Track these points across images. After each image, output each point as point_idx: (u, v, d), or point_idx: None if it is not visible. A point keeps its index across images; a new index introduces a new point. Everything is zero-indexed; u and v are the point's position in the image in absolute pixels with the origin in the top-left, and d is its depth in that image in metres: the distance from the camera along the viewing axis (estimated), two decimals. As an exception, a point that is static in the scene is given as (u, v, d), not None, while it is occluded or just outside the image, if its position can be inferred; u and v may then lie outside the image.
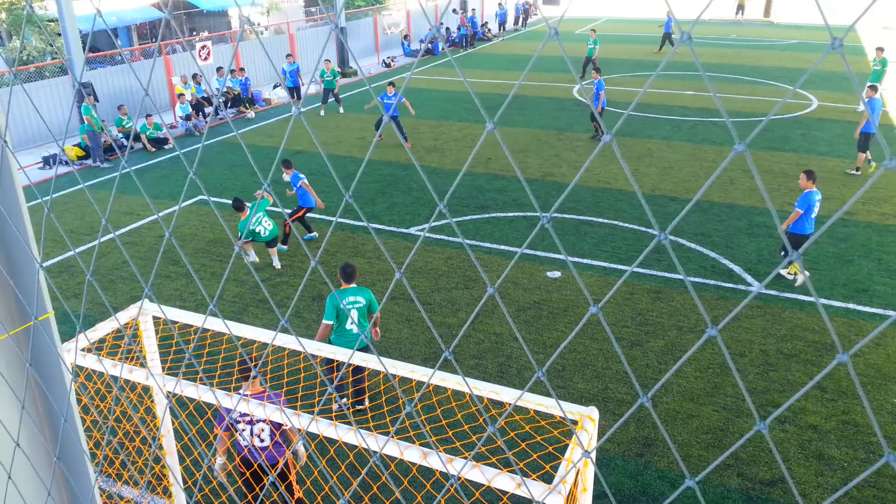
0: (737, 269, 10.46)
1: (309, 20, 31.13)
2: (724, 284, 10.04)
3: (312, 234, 11.82)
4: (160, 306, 1.59)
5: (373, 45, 29.73)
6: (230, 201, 13.34)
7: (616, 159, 15.57)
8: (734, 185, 13.78)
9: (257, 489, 5.39)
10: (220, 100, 20.32)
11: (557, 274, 10.42)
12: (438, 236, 11.77)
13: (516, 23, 39.08)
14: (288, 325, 1.27)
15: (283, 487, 5.27)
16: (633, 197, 13.27)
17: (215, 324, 4.82)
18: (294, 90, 20.55)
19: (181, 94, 18.95)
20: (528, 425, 5.25)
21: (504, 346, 8.72)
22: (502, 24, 36.17)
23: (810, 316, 9.19)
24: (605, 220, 12.24)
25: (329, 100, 20.07)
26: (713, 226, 11.96)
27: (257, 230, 10.36)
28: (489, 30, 34.52)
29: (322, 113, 20.02)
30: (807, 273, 8.35)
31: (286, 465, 5.38)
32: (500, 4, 37.16)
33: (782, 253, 10.43)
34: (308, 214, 11.67)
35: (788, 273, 10.10)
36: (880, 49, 19.14)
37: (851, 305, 9.42)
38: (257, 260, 11.05)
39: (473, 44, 32.23)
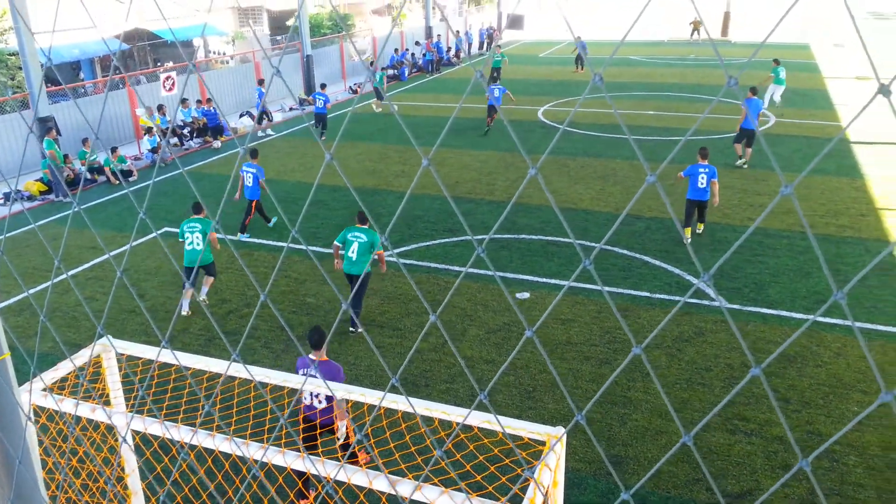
0: (701, 285, 10.65)
1: (275, 48, 31.23)
2: (689, 300, 10.22)
3: (273, 220, 13.38)
4: (113, 344, 1.61)
5: (339, 72, 29.90)
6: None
7: (581, 179, 15.81)
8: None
9: (316, 443, 6.25)
10: (185, 130, 20.25)
11: (526, 295, 10.52)
12: (408, 261, 11.81)
13: (481, 47, 39.62)
14: (239, 358, 1.31)
15: (340, 445, 6.34)
16: (599, 216, 13.47)
17: (181, 357, 4.80)
18: (263, 115, 20.89)
19: (149, 128, 18.86)
20: (498, 448, 5.28)
21: (475, 369, 8.75)
22: (458, 51, 36.09)
23: (773, 329, 9.39)
24: (571, 241, 12.40)
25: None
26: (678, 243, 12.18)
27: (187, 245, 9.96)
28: (455, 55, 34.94)
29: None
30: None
31: (344, 427, 6.23)
32: (457, 33, 37.51)
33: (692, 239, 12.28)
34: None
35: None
36: (776, 60, 22.14)
37: (812, 316, 9.63)
38: (189, 312, 10.28)
39: (440, 69, 32.59)
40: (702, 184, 11.86)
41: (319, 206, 14.65)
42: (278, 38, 35.80)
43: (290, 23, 36.10)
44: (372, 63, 30.93)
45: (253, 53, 26.45)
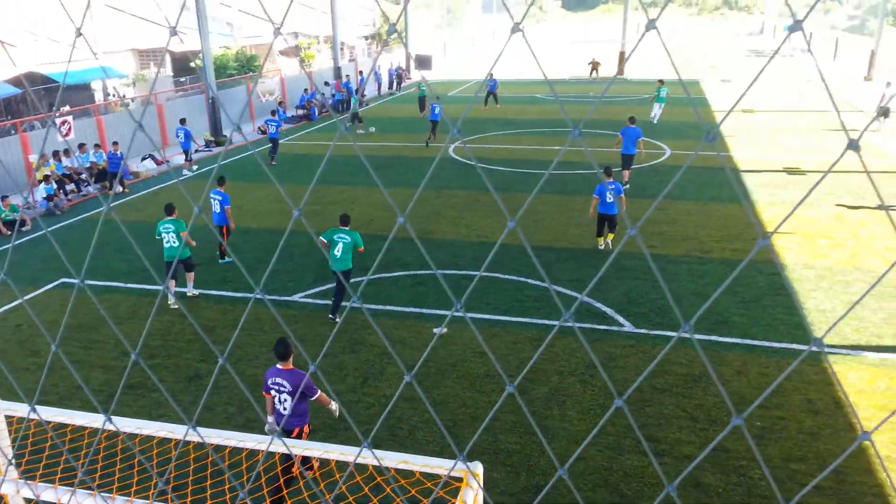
0: (609, 311, 11.02)
1: (179, 90, 30.55)
2: (598, 327, 10.53)
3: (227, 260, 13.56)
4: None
5: (247, 113, 29.50)
6: (94, 282, 12.67)
7: (493, 214, 16.14)
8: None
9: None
10: (83, 175, 19.38)
11: (443, 330, 10.55)
12: (323, 301, 11.65)
13: (391, 87, 40.11)
14: (111, 420, 1.26)
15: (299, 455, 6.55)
16: (511, 249, 13.75)
17: (77, 417, 4.52)
18: (185, 153, 21.83)
19: (46, 176, 17.94)
20: (416, 488, 5.23)
21: (394, 407, 8.66)
22: (358, 89, 36.15)
23: (677, 351, 9.79)
24: (486, 273, 12.57)
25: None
26: (585, 271, 12.58)
27: (165, 243, 11.43)
28: (364, 94, 35.19)
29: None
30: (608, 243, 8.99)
31: (301, 433, 6.79)
32: (361, 72, 37.68)
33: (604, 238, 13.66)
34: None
35: (601, 244, 13.65)
36: (661, 80, 25.91)
37: (713, 337, 10.13)
38: (175, 305, 11.54)
39: (347, 110, 32.71)
40: (609, 199, 13.10)
41: (232, 248, 14.27)
42: (182, 79, 35.04)
43: (194, 64, 35.48)
44: (281, 103, 30.73)
45: (155, 96, 25.76)
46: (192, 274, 11.97)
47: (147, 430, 4.48)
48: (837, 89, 34.68)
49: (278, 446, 4.46)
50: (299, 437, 6.66)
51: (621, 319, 10.71)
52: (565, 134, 25.37)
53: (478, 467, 4.72)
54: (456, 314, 10.82)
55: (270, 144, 22.05)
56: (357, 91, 31.94)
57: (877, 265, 12.54)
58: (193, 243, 11.39)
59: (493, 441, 7.94)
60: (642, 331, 10.36)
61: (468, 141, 24.67)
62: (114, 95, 32.18)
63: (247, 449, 5.37)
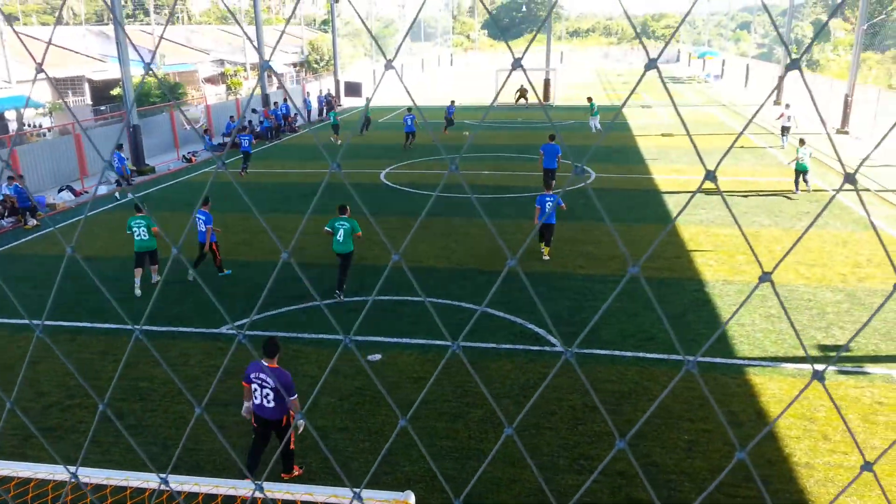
0: (541, 331, 11.18)
1: (98, 119, 29.56)
2: (531, 348, 10.66)
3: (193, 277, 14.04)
4: None
5: (171, 141, 28.77)
6: (6, 320, 12.05)
7: (425, 239, 16.18)
8: (532, 255, 14.85)
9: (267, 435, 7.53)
10: (-4, 208, 18.43)
11: (378, 357, 10.46)
12: (253, 332, 11.37)
13: (320, 114, 39.92)
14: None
15: (282, 439, 7.33)
16: (443, 273, 13.80)
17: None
18: (121, 178, 21.81)
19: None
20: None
21: (328, 439, 8.50)
22: (287, 115, 35.59)
23: (607, 368, 9.99)
24: (419, 298, 12.56)
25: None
26: (517, 294, 12.73)
27: (136, 236, 12.93)
28: (294, 121, 34.88)
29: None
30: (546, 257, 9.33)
31: (286, 422, 7.41)
32: (274, 104, 36.41)
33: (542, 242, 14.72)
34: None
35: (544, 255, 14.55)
36: (589, 98, 30.16)
37: (641, 354, 10.40)
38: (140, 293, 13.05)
39: (279, 136, 32.37)
40: (549, 209, 13.45)
41: (153, 281, 13.81)
42: (102, 108, 33.94)
43: (114, 92, 34.45)
44: (206, 130, 30.13)
45: (72, 125, 24.84)
46: (157, 266, 13.46)
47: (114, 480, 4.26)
48: (749, 112, 36.60)
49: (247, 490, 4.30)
50: (287, 423, 7.44)
51: (553, 340, 10.87)
52: (493, 159, 25.78)
53: (410, 497, 4.68)
54: (391, 340, 10.77)
55: (243, 156, 23.95)
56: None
57: (791, 279, 13.19)
58: (163, 233, 11.72)
59: (429, 468, 7.87)
60: (573, 349, 10.52)
61: (400, 167, 24.76)
62: (29, 125, 30.86)
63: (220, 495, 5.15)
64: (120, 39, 23.78)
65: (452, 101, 33.43)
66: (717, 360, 10.18)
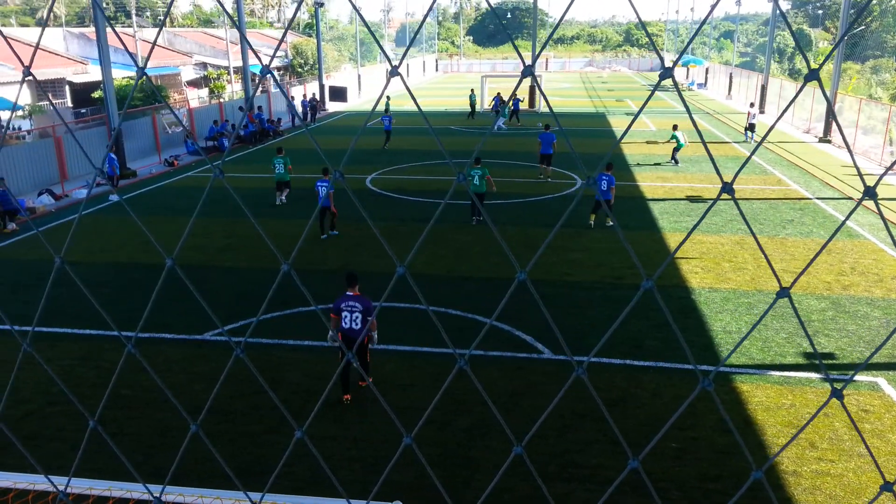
0: (528, 338, 11.14)
1: (80, 122, 29.20)
2: (519, 355, 10.62)
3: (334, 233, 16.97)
4: None
5: (153, 145, 28.47)
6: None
7: (412, 244, 16.09)
8: (518, 262, 14.83)
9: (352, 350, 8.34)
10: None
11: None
12: (237, 339, 11.22)
13: (305, 118, 39.73)
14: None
15: (362, 356, 9.19)
16: (430, 280, 13.73)
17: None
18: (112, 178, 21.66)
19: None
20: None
21: (317, 447, 8.36)
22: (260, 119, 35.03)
23: (598, 375, 9.97)
24: (408, 305, 12.47)
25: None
26: (507, 301, 12.67)
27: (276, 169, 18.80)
28: (279, 125, 34.68)
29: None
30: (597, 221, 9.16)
31: (365, 343, 9.22)
32: (258, 108, 35.89)
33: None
34: None
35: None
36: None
37: (628, 361, 10.39)
38: None
39: (263, 140, 32.16)
40: (603, 187, 16.41)
41: (135, 286, 13.62)
42: (83, 110, 33.55)
43: (95, 95, 34.07)
44: (189, 135, 29.85)
45: (53, 128, 24.50)
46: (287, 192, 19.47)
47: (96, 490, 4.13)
48: (731, 120, 36.95)
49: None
50: (365, 346, 9.23)
51: (541, 346, 10.84)
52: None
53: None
54: (379, 347, 10.67)
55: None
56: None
57: (776, 286, 13.27)
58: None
59: (418, 476, 7.79)
60: (561, 357, 10.51)
61: (385, 172, 24.68)
62: (11, 128, 30.37)
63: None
64: (102, 42, 23.49)
65: (387, 106, 34.22)
66: (704, 367, 10.20)
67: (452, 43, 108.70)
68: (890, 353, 10.66)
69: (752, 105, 31.48)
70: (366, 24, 1.58)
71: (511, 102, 39.62)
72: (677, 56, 1.68)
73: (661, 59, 1.46)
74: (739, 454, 8.14)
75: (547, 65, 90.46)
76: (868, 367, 10.20)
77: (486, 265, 14.63)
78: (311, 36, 62.18)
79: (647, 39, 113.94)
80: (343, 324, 8.94)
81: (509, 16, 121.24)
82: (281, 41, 1.50)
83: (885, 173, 1.21)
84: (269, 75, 1.37)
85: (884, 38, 64.29)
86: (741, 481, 7.68)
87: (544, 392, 9.52)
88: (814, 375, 9.96)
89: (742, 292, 13.04)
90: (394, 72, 1.43)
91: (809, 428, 8.69)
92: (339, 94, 46.60)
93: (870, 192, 1.35)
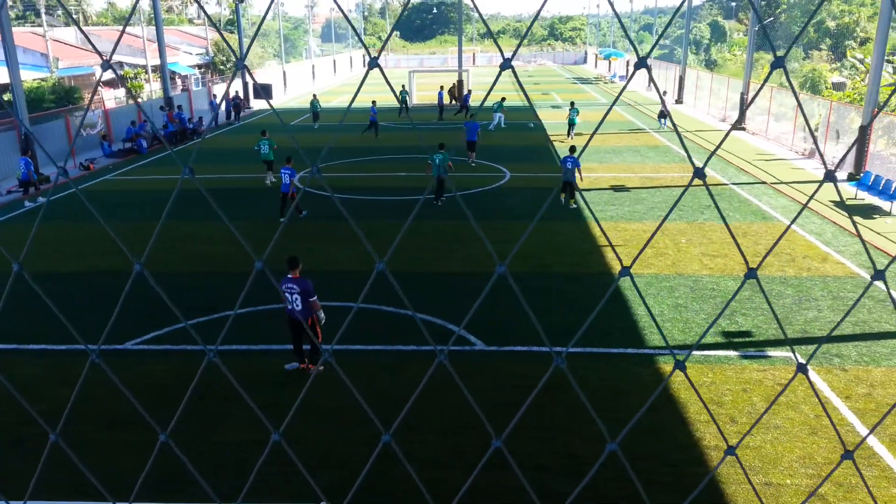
0: (463, 332, 11.20)
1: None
2: (452, 348, 10.65)
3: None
4: None
5: (67, 148, 27.19)
6: None
7: (345, 242, 15.93)
8: (452, 256, 14.89)
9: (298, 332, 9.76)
10: None
11: (296, 365, 10.19)
12: (162, 346, 10.88)
13: (228, 116, 38.77)
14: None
15: (310, 332, 8.24)
16: (364, 277, 13.63)
17: None
18: (29, 183, 20.65)
19: None
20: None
21: (246, 454, 8.21)
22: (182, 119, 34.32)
23: (524, 364, 10.12)
24: (339, 304, 12.34)
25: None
26: (437, 295, 12.72)
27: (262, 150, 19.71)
28: (200, 124, 33.70)
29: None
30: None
31: (311, 321, 9.45)
32: (178, 107, 36.30)
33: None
34: None
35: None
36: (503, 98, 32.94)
37: (557, 348, 10.58)
38: None
39: (184, 140, 31.19)
40: (568, 166, 17.84)
41: (49, 297, 12.99)
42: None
43: (6, 97, 32.27)
44: (105, 136, 28.70)
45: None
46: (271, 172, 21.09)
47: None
48: (651, 111, 38.09)
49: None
50: (312, 325, 9.49)
51: (472, 338, 10.92)
52: (411, 161, 25.73)
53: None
54: (329, 348, 10.50)
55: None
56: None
57: (696, 269, 13.77)
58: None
59: (350, 476, 7.73)
60: (493, 348, 10.62)
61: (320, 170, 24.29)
62: None
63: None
64: (8, 42, 22.23)
65: (374, 102, 32.21)
66: (629, 350, 10.49)
67: (379, 38, 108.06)
68: (802, 328, 11.22)
69: (664, 93, 33.12)
70: (345, 16, 1.53)
71: (461, 97, 40.18)
72: (650, 48, 1.71)
73: (637, 50, 1.50)
74: (664, 433, 8.42)
75: (474, 59, 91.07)
76: (782, 343, 10.70)
77: (418, 258, 14.61)
78: (232, 32, 60.67)
79: (570, 33, 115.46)
80: (287, 305, 9.41)
81: (435, 10, 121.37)
82: (254, 37, 1.43)
83: (844, 160, 1.26)
84: (244, 69, 1.36)
85: (792, 29, 67.55)
86: (666, 459, 7.95)
87: (474, 384, 9.59)
88: (732, 353, 10.40)
89: (663, 276, 13.47)
90: (373, 63, 1.47)
91: (730, 404, 9.06)
92: (263, 91, 45.65)
93: (830, 177, 1.40)
